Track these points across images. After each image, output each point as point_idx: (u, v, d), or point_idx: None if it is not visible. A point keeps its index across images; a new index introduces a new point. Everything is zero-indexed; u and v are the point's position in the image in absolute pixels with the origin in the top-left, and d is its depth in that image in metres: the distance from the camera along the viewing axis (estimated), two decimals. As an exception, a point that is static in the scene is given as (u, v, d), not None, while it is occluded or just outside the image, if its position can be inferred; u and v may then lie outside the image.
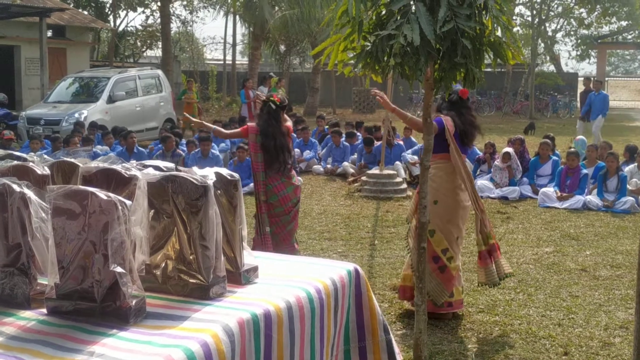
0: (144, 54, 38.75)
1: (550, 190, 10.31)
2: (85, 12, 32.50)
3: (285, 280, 2.99)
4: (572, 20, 34.57)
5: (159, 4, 28.77)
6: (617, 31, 36.54)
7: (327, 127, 15.19)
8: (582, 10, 33.08)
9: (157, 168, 2.96)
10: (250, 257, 3.00)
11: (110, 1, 34.68)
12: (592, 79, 18.66)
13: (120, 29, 36.38)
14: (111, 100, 16.40)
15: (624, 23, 35.36)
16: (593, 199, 9.95)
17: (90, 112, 15.62)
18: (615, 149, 11.78)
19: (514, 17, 31.20)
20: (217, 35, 69.66)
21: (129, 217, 2.49)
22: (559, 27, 35.26)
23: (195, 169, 2.82)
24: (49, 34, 23.57)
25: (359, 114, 26.52)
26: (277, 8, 26.81)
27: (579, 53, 37.50)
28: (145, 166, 2.97)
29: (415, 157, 11.84)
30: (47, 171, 3.05)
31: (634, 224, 8.93)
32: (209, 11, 58.00)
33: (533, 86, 27.64)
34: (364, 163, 12.54)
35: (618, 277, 6.56)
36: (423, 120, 4.24)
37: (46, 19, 19.85)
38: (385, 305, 5.67)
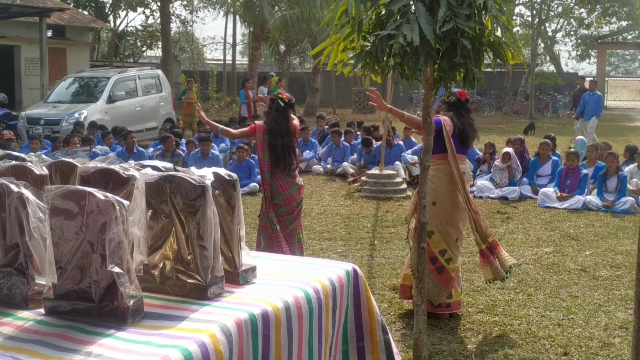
0: (144, 54, 38.77)
1: (550, 190, 10.31)
2: (85, 12, 32.52)
3: (283, 281, 2.98)
4: (572, 20, 34.60)
5: (159, 3, 28.77)
6: (617, 31, 36.55)
7: (327, 127, 15.20)
8: (582, 10, 33.11)
9: (155, 168, 2.95)
10: (248, 257, 3.00)
11: (110, 1, 34.69)
12: (585, 78, 18.61)
13: (120, 29, 36.40)
14: (111, 100, 16.40)
15: (624, 23, 35.38)
16: (593, 199, 9.95)
17: (90, 112, 15.62)
18: (615, 149, 11.78)
19: (514, 17, 31.22)
20: (217, 35, 69.83)
21: (127, 217, 2.49)
22: (559, 27, 35.30)
23: (193, 169, 2.81)
24: (49, 34, 23.58)
25: (359, 114, 26.54)
26: (277, 8, 26.82)
27: (579, 53, 37.53)
28: (144, 166, 2.97)
29: (415, 157, 11.84)
30: (45, 171, 3.05)
31: (633, 224, 8.92)
32: (209, 11, 58.06)
33: (533, 86, 27.65)
34: (363, 163, 12.55)
35: (618, 277, 6.56)
36: (423, 120, 4.23)
37: (46, 19, 19.85)
38: (385, 305, 5.67)
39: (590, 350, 4.80)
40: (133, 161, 3.14)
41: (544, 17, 30.71)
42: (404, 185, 10.98)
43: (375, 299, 4.34)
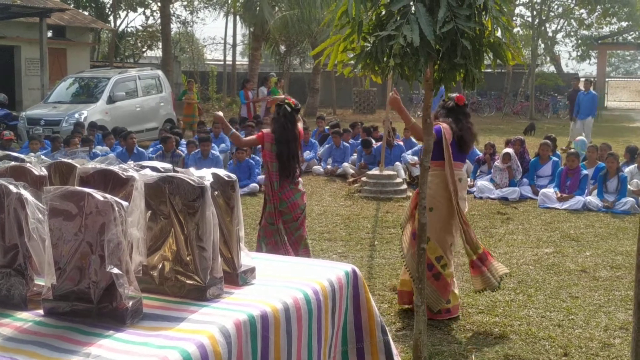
0: (144, 54, 38.77)
1: (550, 191, 10.30)
2: (86, 13, 32.53)
3: (282, 282, 2.98)
4: (572, 20, 34.57)
5: (159, 4, 28.78)
6: (618, 32, 36.51)
7: (327, 127, 15.20)
8: (582, 10, 33.07)
9: (154, 169, 2.94)
10: (247, 258, 2.99)
11: (111, 2, 34.69)
12: (580, 79, 18.58)
13: (121, 29, 36.42)
14: (111, 100, 16.40)
15: (624, 24, 35.32)
16: (593, 199, 9.94)
17: (90, 113, 15.62)
18: (616, 149, 11.78)
19: (514, 18, 31.22)
20: (217, 36, 69.78)
21: (126, 218, 2.49)
22: (559, 27, 35.27)
23: (192, 170, 2.81)
24: (49, 34, 23.58)
25: (359, 114, 26.54)
26: (277, 8, 26.82)
27: (579, 54, 37.49)
28: (143, 167, 2.96)
29: (415, 158, 11.83)
30: (44, 172, 3.05)
31: (634, 224, 8.91)
32: (209, 11, 57.99)
33: (533, 87, 27.64)
34: (364, 163, 12.54)
35: (618, 278, 6.55)
36: (423, 121, 4.23)
37: (46, 20, 19.85)
38: (385, 306, 5.66)
39: (591, 351, 4.79)
40: (132, 162, 3.14)
41: (544, 18, 30.70)
42: (404, 186, 10.97)
43: (375, 300, 4.34)
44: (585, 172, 10.45)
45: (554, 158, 11.33)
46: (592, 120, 16.18)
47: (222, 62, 36.64)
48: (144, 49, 37.49)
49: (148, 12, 36.20)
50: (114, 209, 2.42)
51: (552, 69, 37.91)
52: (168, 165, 3.06)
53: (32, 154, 8.81)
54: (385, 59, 3.67)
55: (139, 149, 12.38)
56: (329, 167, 13.08)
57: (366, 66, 3.84)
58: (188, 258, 2.70)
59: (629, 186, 10.06)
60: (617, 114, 30.89)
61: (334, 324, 3.09)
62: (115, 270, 2.43)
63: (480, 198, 10.69)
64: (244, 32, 41.33)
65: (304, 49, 30.39)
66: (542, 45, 33.87)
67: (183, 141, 13.26)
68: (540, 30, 30.62)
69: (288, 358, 2.76)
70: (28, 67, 24.36)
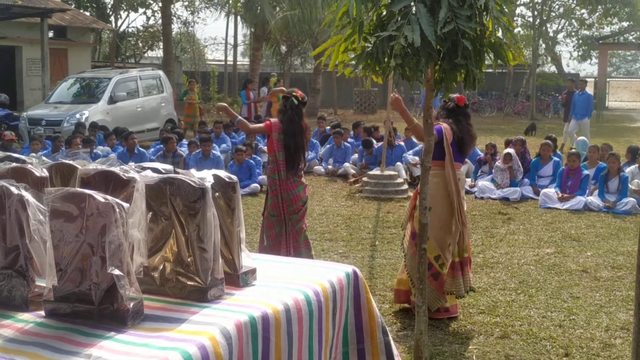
0: (145, 54, 38.77)
1: (552, 191, 10.30)
2: (87, 13, 32.55)
3: (283, 283, 2.98)
4: (573, 21, 34.51)
5: (160, 4, 28.79)
6: (619, 32, 36.46)
7: (328, 127, 15.20)
8: (583, 11, 33.03)
9: (155, 170, 2.95)
10: (248, 259, 2.99)
11: (112, 2, 34.70)
12: (574, 80, 18.54)
13: (122, 29, 36.42)
14: (112, 100, 16.41)
15: (625, 24, 35.27)
16: (594, 200, 9.94)
17: (92, 113, 15.63)
18: (617, 149, 11.77)
19: (515, 18, 31.20)
20: (218, 36, 69.60)
21: (127, 219, 2.49)
22: (560, 27, 35.21)
23: (193, 171, 2.81)
24: (50, 34, 23.59)
25: (360, 114, 26.52)
26: (278, 9, 26.81)
27: (580, 54, 37.42)
28: (144, 168, 2.96)
29: (417, 158, 11.83)
30: (45, 173, 3.05)
31: (635, 225, 8.91)
32: (210, 12, 57.98)
33: (534, 87, 27.62)
34: (365, 164, 12.54)
35: (619, 278, 6.55)
36: (424, 121, 4.23)
37: (47, 20, 19.87)
38: (386, 306, 5.66)
39: (592, 351, 4.79)
40: (133, 163, 3.14)
41: (545, 18, 30.67)
42: (405, 186, 10.97)
43: (376, 300, 4.34)
44: (586, 172, 10.45)
45: (555, 158, 11.33)
46: (589, 120, 16.14)
47: (223, 63, 36.64)
48: (145, 49, 37.51)
49: (149, 12, 36.22)
50: (115, 210, 2.43)
51: (553, 69, 37.87)
52: (169, 167, 3.06)
53: (33, 154, 8.82)
54: (386, 59, 3.67)
55: (140, 149, 12.39)
56: (330, 167, 13.08)
57: (367, 66, 3.83)
58: (189, 259, 2.70)
59: (630, 186, 10.05)
60: (618, 114, 30.88)
61: (335, 325, 3.09)
62: (117, 272, 2.44)
63: (482, 198, 10.69)
64: (245, 32, 41.34)
65: (305, 49, 30.38)
66: (543, 46, 33.83)
67: (184, 141, 13.26)
68: (541, 31, 30.60)
69: (289, 359, 2.76)
70: (29, 68, 24.37)
